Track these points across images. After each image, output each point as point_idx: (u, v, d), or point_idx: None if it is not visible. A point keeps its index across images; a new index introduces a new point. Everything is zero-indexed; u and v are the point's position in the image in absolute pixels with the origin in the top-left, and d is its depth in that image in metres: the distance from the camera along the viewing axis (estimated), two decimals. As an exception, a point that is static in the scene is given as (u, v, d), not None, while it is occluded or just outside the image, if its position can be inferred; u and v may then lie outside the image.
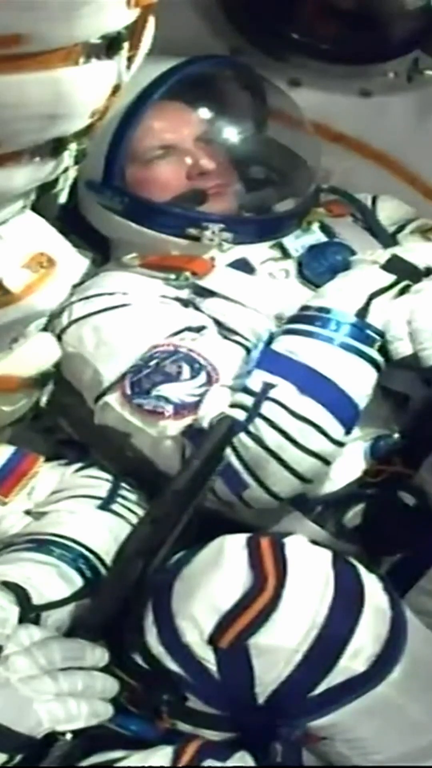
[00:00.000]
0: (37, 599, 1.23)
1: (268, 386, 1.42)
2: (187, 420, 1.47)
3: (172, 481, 1.19)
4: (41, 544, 1.35)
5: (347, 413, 1.43)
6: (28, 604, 1.22)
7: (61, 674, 1.06)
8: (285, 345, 1.47)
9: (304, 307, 1.51)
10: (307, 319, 1.49)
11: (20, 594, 1.22)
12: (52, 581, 1.28)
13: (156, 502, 1.24)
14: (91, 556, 1.35)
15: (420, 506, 1.43)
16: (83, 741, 1.10)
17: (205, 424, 1.44)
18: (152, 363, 1.52)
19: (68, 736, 1.07)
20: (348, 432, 1.44)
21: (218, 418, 1.41)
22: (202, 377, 1.50)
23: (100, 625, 1.16)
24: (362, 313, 1.46)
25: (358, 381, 1.45)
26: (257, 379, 1.44)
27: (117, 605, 1.18)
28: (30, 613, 1.21)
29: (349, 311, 1.46)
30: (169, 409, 1.48)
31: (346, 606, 1.19)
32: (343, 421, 1.42)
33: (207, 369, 1.51)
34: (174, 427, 1.47)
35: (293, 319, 1.51)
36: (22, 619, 1.19)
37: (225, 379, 1.51)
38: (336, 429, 1.42)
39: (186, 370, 1.51)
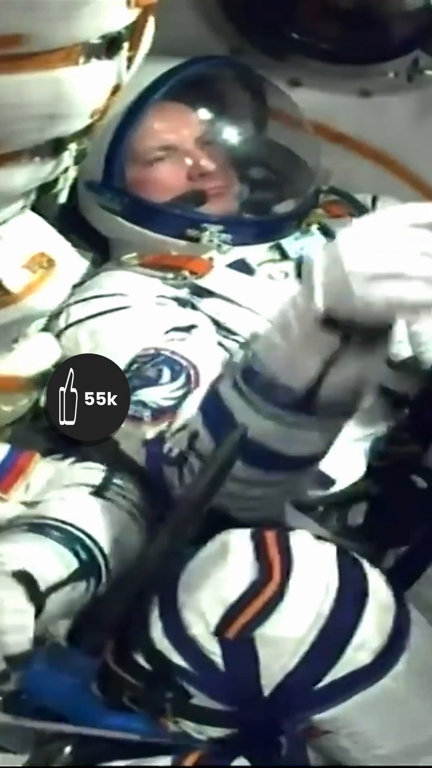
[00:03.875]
0: (42, 585, 1.22)
1: None
2: (165, 424, 1.45)
3: (185, 496, 1.21)
4: (36, 526, 1.35)
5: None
6: (38, 593, 1.20)
7: None
8: None
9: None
10: None
11: (30, 584, 1.20)
12: (50, 562, 1.27)
13: (169, 517, 1.24)
14: (85, 538, 1.34)
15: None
16: (82, 753, 1.10)
17: (168, 443, 1.41)
18: (134, 367, 1.51)
19: (68, 750, 1.06)
20: None
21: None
22: (182, 379, 1.49)
23: (108, 630, 1.18)
24: None
25: None
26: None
27: (125, 617, 1.19)
28: (39, 601, 1.20)
29: None
30: (147, 413, 1.46)
31: (351, 598, 1.19)
32: None
33: (187, 370, 1.50)
34: (152, 431, 1.46)
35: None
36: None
37: (208, 380, 1.50)
38: None
39: (166, 374, 1.49)
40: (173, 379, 1.48)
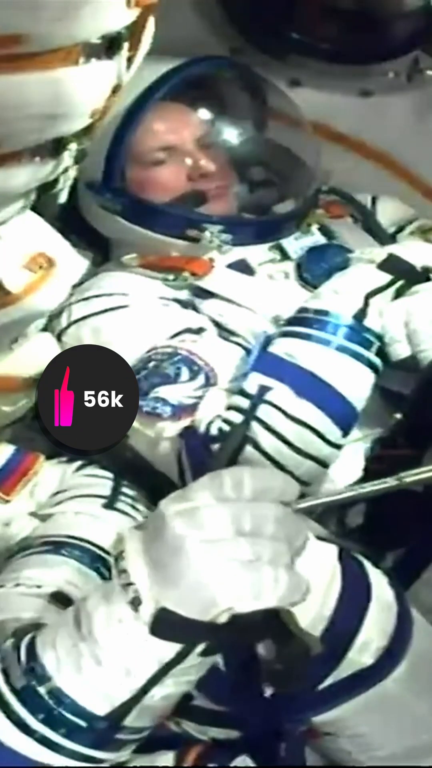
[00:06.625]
0: None
1: (264, 389, 1.42)
2: (185, 422, 1.46)
3: None
4: (57, 546, 1.34)
5: (344, 416, 1.43)
6: None
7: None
8: (282, 347, 1.46)
9: (302, 309, 1.51)
10: (305, 321, 1.48)
11: (68, 605, 1.20)
12: (80, 584, 1.26)
13: None
14: (107, 556, 1.34)
15: (428, 493, 1.42)
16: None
17: (202, 426, 1.44)
18: (151, 365, 1.52)
19: None
20: (345, 435, 1.44)
21: (228, 427, 1.42)
22: (201, 379, 1.50)
23: None
24: (360, 315, 1.46)
25: (355, 383, 1.45)
26: (253, 382, 1.44)
27: None
28: None
29: (347, 313, 1.46)
30: (167, 411, 1.48)
31: (354, 599, 1.19)
32: (341, 424, 1.42)
33: (206, 371, 1.51)
34: (171, 428, 1.47)
35: (290, 322, 1.51)
36: None
37: (223, 381, 1.51)
38: (333, 432, 1.42)
39: (185, 372, 1.51)
40: (191, 378, 1.49)
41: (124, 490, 1.50)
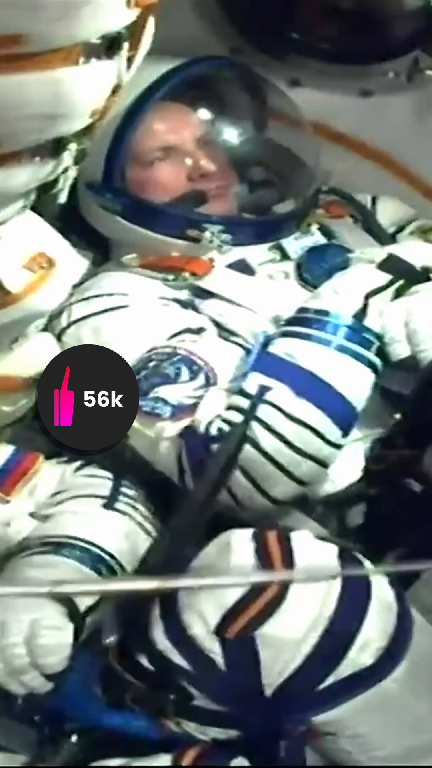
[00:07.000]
0: (81, 606, 1.22)
1: (263, 389, 1.42)
2: (185, 422, 1.46)
3: (190, 495, 1.21)
4: (57, 546, 1.34)
5: (344, 416, 1.43)
6: (76, 613, 1.20)
7: None
8: (281, 347, 1.46)
9: (301, 309, 1.51)
10: (305, 321, 1.48)
11: (67, 603, 1.20)
12: None
13: (175, 515, 1.24)
14: (107, 557, 1.34)
15: (427, 493, 1.42)
16: (84, 746, 1.09)
17: (202, 426, 1.44)
18: (151, 365, 1.52)
19: (73, 739, 1.06)
20: (345, 435, 1.44)
21: (228, 427, 1.42)
22: (201, 379, 1.50)
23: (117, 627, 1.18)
24: (360, 315, 1.46)
25: (355, 383, 1.44)
26: (253, 382, 1.44)
27: (133, 614, 1.19)
28: (78, 621, 1.20)
29: (347, 313, 1.46)
30: (166, 411, 1.47)
31: (354, 599, 1.19)
32: (340, 423, 1.42)
33: (205, 371, 1.51)
34: (171, 428, 1.47)
35: (290, 322, 1.51)
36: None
37: (223, 381, 1.51)
38: (333, 432, 1.42)
39: (184, 372, 1.50)
40: (191, 378, 1.49)
41: (124, 490, 1.50)
